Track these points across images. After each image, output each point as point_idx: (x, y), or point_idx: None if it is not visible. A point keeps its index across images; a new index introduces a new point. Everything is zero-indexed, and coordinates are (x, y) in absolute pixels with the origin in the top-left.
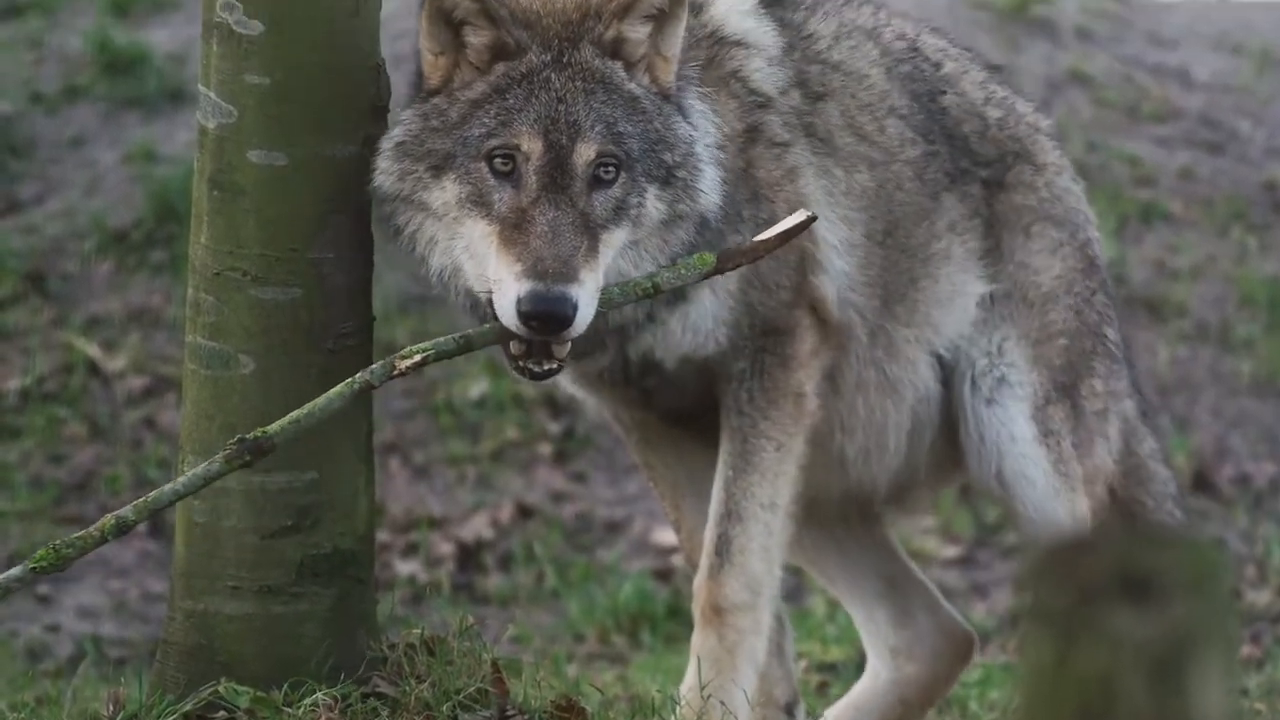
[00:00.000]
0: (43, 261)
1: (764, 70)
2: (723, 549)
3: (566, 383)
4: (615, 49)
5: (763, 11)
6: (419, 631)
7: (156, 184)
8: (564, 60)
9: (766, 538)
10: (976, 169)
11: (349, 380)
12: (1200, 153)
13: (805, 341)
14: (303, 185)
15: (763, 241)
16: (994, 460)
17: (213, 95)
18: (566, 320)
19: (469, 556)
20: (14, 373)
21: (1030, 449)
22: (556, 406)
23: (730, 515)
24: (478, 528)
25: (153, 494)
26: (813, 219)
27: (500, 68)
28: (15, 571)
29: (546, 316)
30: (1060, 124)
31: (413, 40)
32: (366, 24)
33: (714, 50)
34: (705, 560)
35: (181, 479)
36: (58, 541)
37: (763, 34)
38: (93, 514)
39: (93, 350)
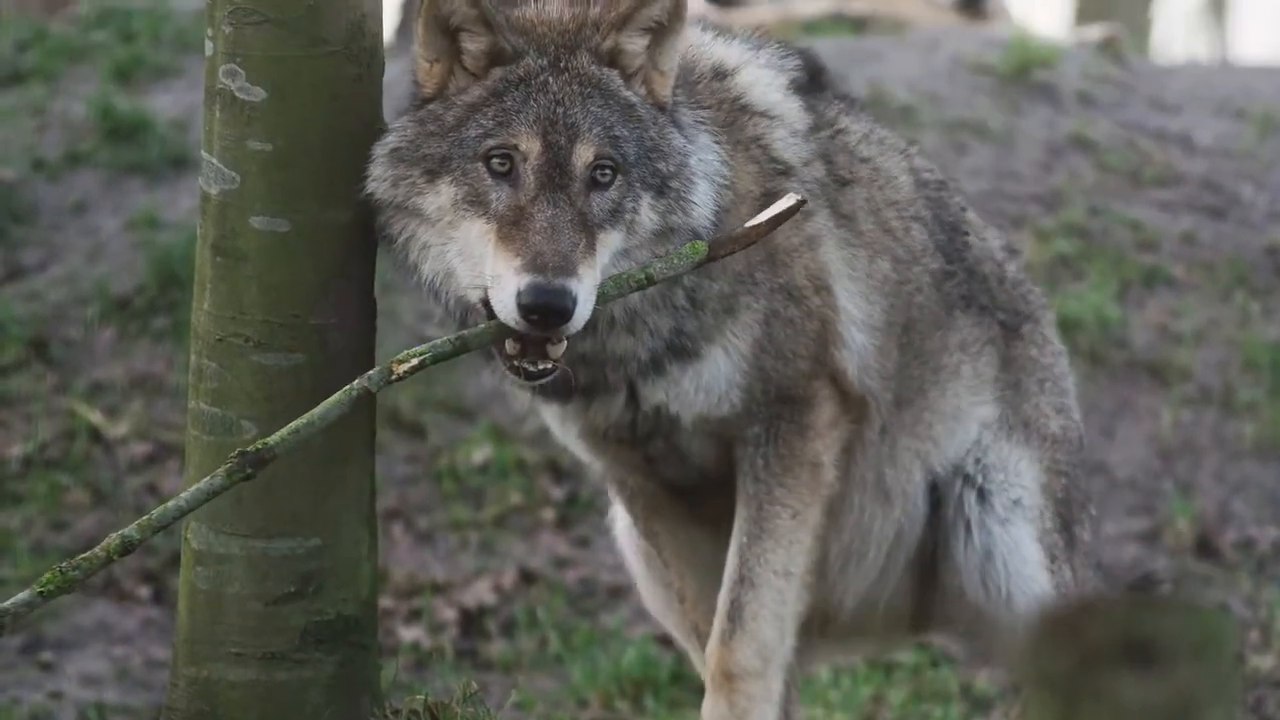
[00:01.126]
0: (45, 328)
1: (786, 140)
2: (735, 615)
3: (574, 443)
4: (612, 59)
5: (792, 92)
6: (422, 697)
7: (159, 250)
8: (561, 65)
9: (780, 605)
10: (994, 308)
11: (347, 388)
12: (1202, 217)
13: (824, 412)
14: (305, 251)
15: (754, 227)
16: (1003, 579)
17: (215, 161)
18: (566, 313)
19: (472, 622)
20: (16, 439)
21: (1040, 572)
22: (560, 472)
23: (744, 581)
24: (481, 593)
25: (156, 511)
26: (802, 203)
27: (497, 72)
28: (23, 596)
29: (546, 309)
30: (1062, 189)
31: None
32: (369, 90)
33: (736, 115)
34: (718, 625)
35: (184, 494)
36: (64, 564)
37: (789, 109)
38: (96, 581)
39: (95, 417)
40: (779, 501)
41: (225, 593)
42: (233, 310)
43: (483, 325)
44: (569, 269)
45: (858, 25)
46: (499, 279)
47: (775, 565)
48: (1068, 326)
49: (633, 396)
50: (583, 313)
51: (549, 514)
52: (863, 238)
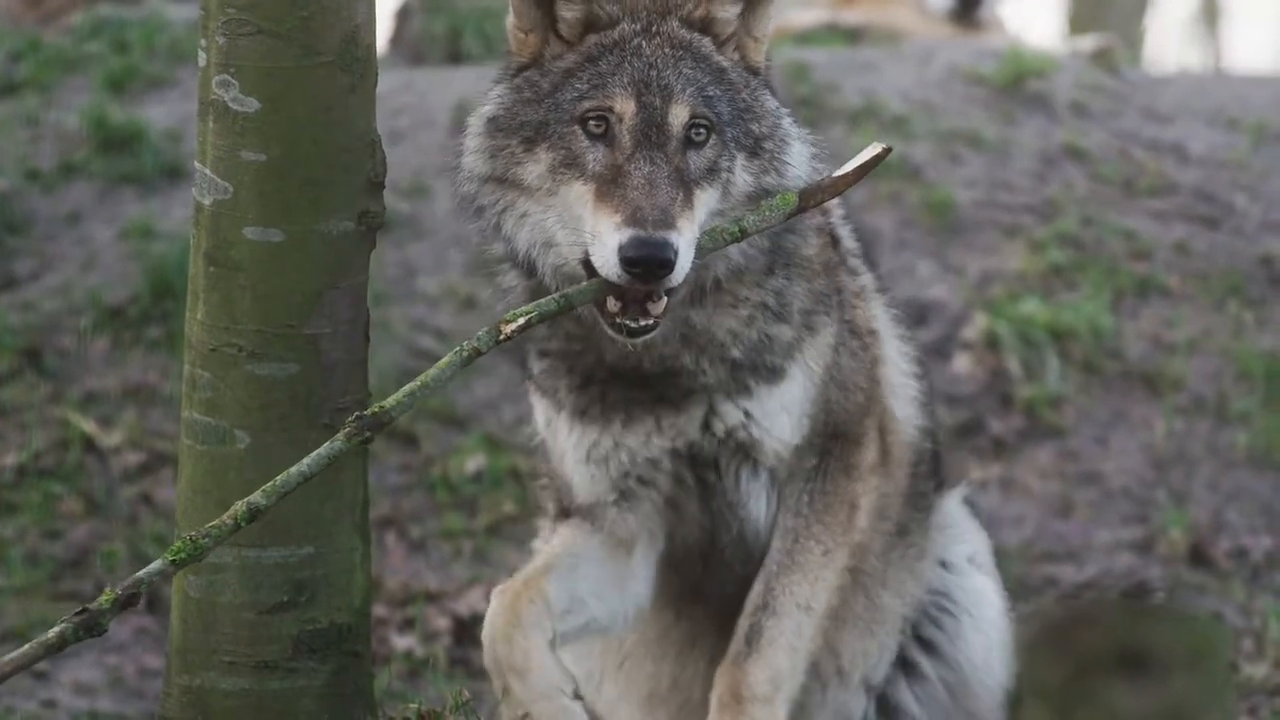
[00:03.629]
0: (39, 338)
1: (844, 227)
2: (753, 639)
3: (612, 466)
4: (704, 26)
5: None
6: (416, 706)
7: (153, 260)
8: (653, 30)
9: (796, 638)
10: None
11: (458, 348)
12: (1196, 227)
13: (869, 453)
14: (299, 261)
15: (842, 176)
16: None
17: (209, 172)
18: (668, 264)
19: (465, 631)
20: (10, 449)
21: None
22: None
23: (766, 607)
24: (474, 602)
25: (280, 477)
26: (888, 150)
27: (592, 38)
28: (156, 565)
29: (648, 261)
30: (1056, 199)
31: (410, 116)
32: (362, 101)
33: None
34: (733, 648)
35: (307, 460)
36: (193, 533)
37: (844, 226)
38: (89, 591)
39: (89, 426)
40: (814, 537)
41: (218, 601)
42: (226, 320)
43: (586, 283)
44: (668, 221)
45: (852, 36)
46: (599, 236)
47: (799, 598)
48: (1061, 336)
49: (707, 422)
50: (683, 264)
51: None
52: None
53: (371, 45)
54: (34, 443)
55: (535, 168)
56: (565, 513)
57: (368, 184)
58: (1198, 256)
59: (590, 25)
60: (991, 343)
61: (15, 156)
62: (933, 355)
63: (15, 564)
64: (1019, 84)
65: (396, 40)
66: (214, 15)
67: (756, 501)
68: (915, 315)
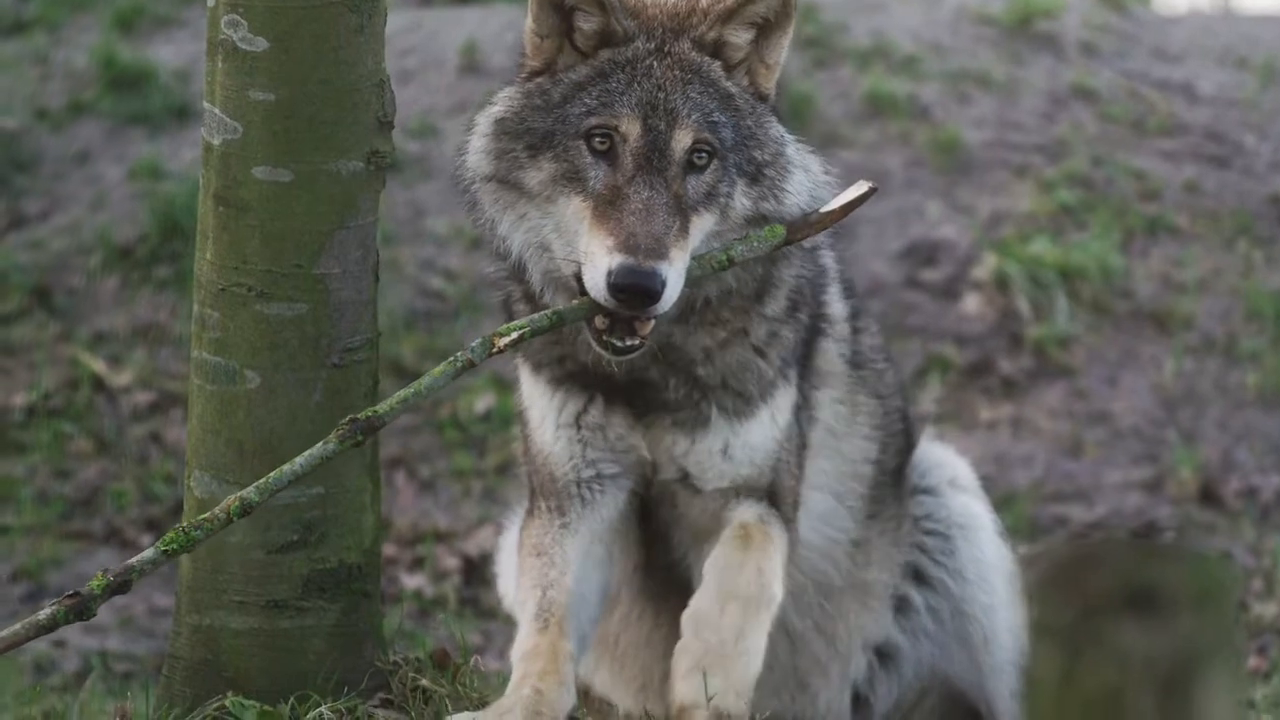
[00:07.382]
0: (48, 277)
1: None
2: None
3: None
4: (716, 50)
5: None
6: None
7: (162, 200)
8: (665, 50)
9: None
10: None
11: (451, 359)
12: (1205, 166)
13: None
14: (307, 201)
15: (829, 213)
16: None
17: (218, 111)
18: (655, 295)
19: (474, 570)
20: (20, 388)
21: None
22: None
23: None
24: (483, 541)
25: (272, 474)
26: (874, 189)
27: (605, 53)
28: (148, 554)
29: (636, 290)
30: (1065, 139)
31: (418, 56)
32: (371, 41)
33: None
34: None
35: (299, 459)
36: (185, 524)
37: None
38: (99, 529)
39: (99, 366)
40: (752, 559)
41: (228, 541)
42: (235, 260)
43: (576, 301)
44: (660, 252)
45: None
46: (592, 256)
47: (749, 586)
48: (1071, 276)
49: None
50: (671, 295)
51: None
52: (860, 375)
53: None
54: (43, 382)
55: (537, 175)
56: (544, 503)
57: (376, 124)
58: (1207, 196)
59: (605, 39)
60: (1001, 283)
61: (24, 95)
62: (942, 295)
63: (25, 503)
64: (1027, 24)
65: None
66: None
67: (696, 520)
68: (925, 255)
